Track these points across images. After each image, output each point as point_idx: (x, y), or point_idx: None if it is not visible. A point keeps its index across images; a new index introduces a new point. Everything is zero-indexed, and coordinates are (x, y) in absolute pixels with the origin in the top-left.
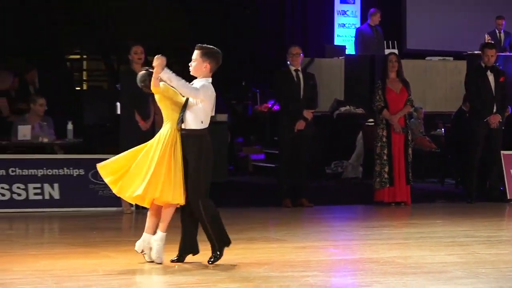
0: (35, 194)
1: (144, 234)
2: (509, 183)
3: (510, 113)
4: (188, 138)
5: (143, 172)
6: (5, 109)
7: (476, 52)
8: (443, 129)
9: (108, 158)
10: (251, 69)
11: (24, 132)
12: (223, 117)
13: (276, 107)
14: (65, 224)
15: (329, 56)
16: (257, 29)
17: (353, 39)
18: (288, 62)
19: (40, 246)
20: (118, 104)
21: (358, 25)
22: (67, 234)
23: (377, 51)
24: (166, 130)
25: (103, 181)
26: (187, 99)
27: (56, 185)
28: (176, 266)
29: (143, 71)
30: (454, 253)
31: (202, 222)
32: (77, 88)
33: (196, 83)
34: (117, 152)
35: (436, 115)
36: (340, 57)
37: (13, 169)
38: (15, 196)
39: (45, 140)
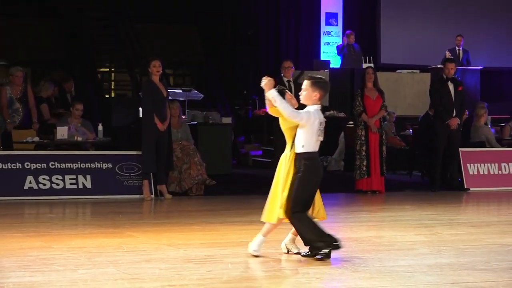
0: (71, 184)
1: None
2: (465, 175)
3: (467, 116)
4: (295, 161)
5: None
6: (46, 113)
7: (438, 66)
8: (410, 130)
9: (131, 155)
10: (251, 80)
11: (61, 132)
12: (227, 120)
13: None
14: (96, 209)
15: (316, 69)
16: (257, 46)
17: (336, 55)
18: (282, 74)
19: (75, 227)
20: (140, 109)
21: (340, 43)
22: (97, 217)
23: (356, 65)
24: (286, 152)
25: (127, 172)
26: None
27: (88, 177)
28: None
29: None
30: (421, 233)
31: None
32: (106, 96)
33: (305, 109)
34: (139, 148)
35: (405, 119)
36: (325, 70)
37: (53, 163)
38: (54, 186)
39: (79, 139)
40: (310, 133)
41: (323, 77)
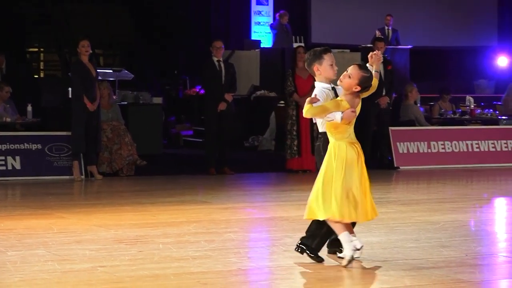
0: (0, 165)
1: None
2: (395, 154)
3: (395, 96)
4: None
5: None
6: None
7: (368, 45)
8: None
9: (61, 135)
10: (182, 59)
11: None
12: (158, 100)
13: (202, 91)
14: (25, 190)
15: (247, 49)
16: (187, 26)
17: (267, 35)
18: (212, 54)
19: (4, 209)
20: (70, 89)
21: (271, 22)
22: (27, 198)
23: (287, 44)
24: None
25: (57, 153)
26: None
27: (17, 158)
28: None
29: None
30: None
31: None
32: (35, 76)
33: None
34: (69, 129)
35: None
36: (256, 50)
37: None
38: None
39: (8, 119)
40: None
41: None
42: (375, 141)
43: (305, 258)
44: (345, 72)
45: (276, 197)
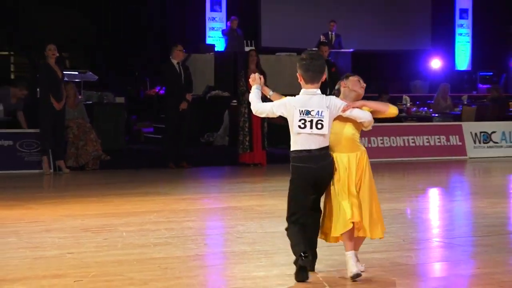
0: None
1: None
2: None
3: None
4: None
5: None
6: None
7: (314, 48)
8: None
9: (30, 132)
10: (142, 62)
11: None
12: (121, 100)
13: (161, 92)
14: None
15: (202, 52)
16: (145, 31)
17: (220, 39)
18: (171, 57)
19: None
20: (38, 90)
21: (224, 28)
22: (1, 192)
23: (238, 48)
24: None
25: (27, 149)
26: None
27: None
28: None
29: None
30: None
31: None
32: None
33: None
34: (37, 126)
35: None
36: (211, 53)
37: None
38: None
39: None
40: (291, 126)
41: (312, 53)
42: None
43: (259, 245)
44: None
45: (230, 189)
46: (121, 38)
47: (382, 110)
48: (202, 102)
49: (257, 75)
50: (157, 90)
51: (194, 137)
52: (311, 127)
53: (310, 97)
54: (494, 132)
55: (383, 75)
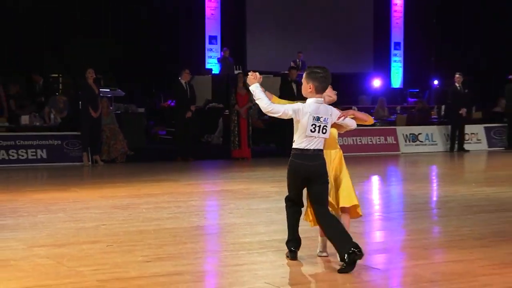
0: (32, 155)
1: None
2: None
3: None
4: None
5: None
6: (13, 105)
7: (285, 72)
8: (268, 116)
9: (74, 134)
10: (157, 81)
11: (24, 119)
12: (142, 110)
13: (172, 104)
14: (50, 172)
15: (203, 74)
16: (163, 59)
17: (216, 65)
18: (180, 77)
19: (36, 185)
20: (80, 103)
21: (219, 56)
22: (51, 178)
23: (230, 71)
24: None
25: (72, 147)
26: None
27: (44, 150)
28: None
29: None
30: (275, 186)
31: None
32: (56, 94)
33: (294, 103)
34: (79, 130)
35: None
36: (209, 75)
37: (19, 141)
38: (20, 157)
39: (37, 124)
40: (300, 128)
41: (323, 68)
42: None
43: (244, 218)
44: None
45: (224, 176)
46: (143, 63)
47: (365, 120)
48: (203, 111)
49: (257, 73)
50: (169, 103)
51: (196, 138)
52: (318, 132)
53: (319, 105)
54: (420, 133)
55: (337, 91)
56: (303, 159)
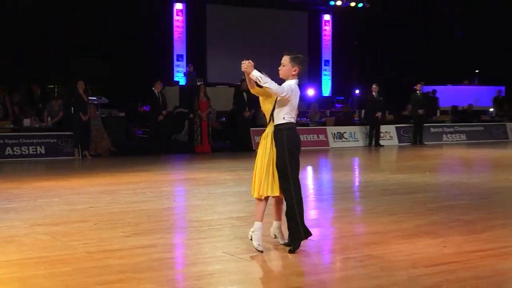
0: (33, 151)
1: (274, 222)
2: (254, 143)
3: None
4: (275, 133)
5: (255, 172)
6: (17, 110)
7: (238, 83)
8: (223, 118)
9: (67, 134)
10: (136, 91)
11: (26, 122)
12: (122, 114)
13: (147, 109)
14: (47, 165)
15: (172, 85)
16: (139, 73)
17: (182, 78)
18: (153, 88)
19: (36, 175)
20: (72, 108)
21: (184, 71)
22: (48, 169)
23: (193, 83)
24: (268, 129)
25: (65, 144)
26: (275, 101)
27: (43, 146)
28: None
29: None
30: (230, 175)
31: (291, 206)
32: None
33: (285, 83)
34: (71, 130)
35: (221, 112)
36: (177, 86)
37: (22, 139)
38: (23, 153)
39: (37, 125)
40: (293, 105)
41: (301, 53)
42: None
43: (206, 201)
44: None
45: (188, 167)
46: (123, 76)
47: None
48: (172, 115)
49: (249, 60)
50: (144, 108)
51: (167, 136)
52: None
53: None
54: (345, 132)
55: None
56: (296, 131)
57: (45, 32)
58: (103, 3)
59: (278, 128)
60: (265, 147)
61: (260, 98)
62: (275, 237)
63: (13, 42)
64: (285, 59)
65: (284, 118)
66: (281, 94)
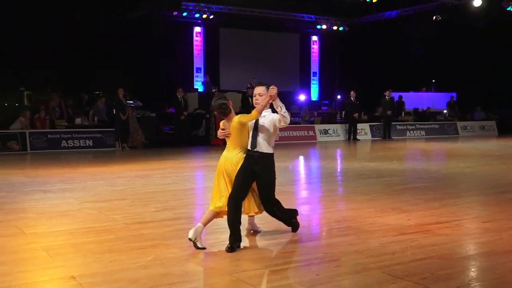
0: (82, 143)
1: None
2: None
3: None
4: (262, 158)
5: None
6: (70, 112)
7: (244, 90)
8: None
9: (110, 130)
10: (164, 96)
11: (77, 121)
12: (153, 114)
13: (173, 110)
14: (94, 154)
15: (192, 92)
16: (166, 82)
17: (201, 85)
18: (177, 94)
19: (84, 162)
20: (114, 110)
21: (202, 80)
22: (95, 158)
23: (210, 90)
24: (235, 154)
25: (108, 137)
26: (256, 126)
27: (91, 140)
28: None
29: (220, 101)
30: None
31: (278, 217)
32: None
33: (276, 114)
34: (113, 127)
35: None
36: (196, 92)
37: (74, 134)
38: (75, 145)
39: (86, 123)
40: (275, 133)
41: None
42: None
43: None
44: None
45: (207, 156)
46: (154, 85)
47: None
48: (192, 115)
49: (275, 87)
50: (171, 110)
51: (188, 132)
52: None
53: None
54: (329, 129)
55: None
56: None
57: (92, 51)
58: (135, 28)
59: (267, 156)
60: (236, 170)
61: (236, 129)
62: (252, 232)
63: (65, 59)
64: (262, 89)
65: (272, 147)
66: (288, 123)
